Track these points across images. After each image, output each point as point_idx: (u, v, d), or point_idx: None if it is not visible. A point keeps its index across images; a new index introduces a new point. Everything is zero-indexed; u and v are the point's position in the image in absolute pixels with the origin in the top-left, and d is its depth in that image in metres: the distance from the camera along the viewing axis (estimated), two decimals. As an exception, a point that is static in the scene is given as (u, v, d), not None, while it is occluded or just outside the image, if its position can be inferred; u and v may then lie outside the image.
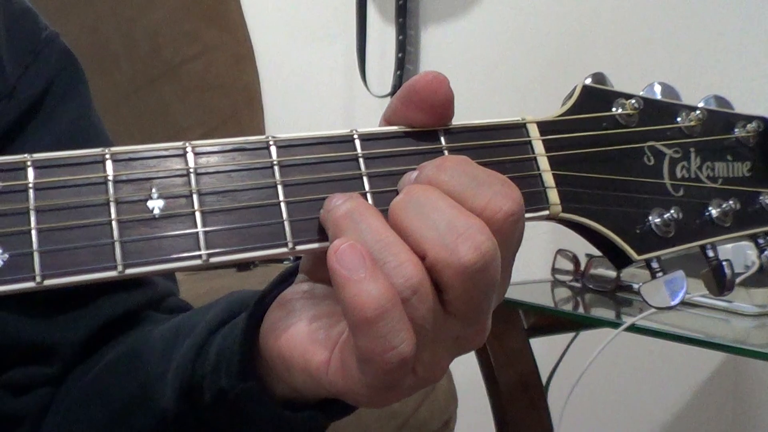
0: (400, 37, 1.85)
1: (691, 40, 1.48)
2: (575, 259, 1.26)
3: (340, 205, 0.40)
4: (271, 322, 0.45)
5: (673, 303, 0.46)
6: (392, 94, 1.83)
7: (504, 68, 1.73)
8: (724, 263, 0.49)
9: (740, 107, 0.54)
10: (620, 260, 0.48)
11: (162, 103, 1.93)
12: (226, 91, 2.00)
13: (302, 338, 0.43)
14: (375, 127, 0.45)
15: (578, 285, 1.27)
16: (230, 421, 0.50)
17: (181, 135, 1.90)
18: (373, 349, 0.38)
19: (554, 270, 1.30)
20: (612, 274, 1.21)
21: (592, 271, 1.25)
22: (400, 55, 1.84)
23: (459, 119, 0.44)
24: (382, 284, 0.38)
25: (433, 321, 0.39)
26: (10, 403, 0.59)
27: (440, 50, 1.84)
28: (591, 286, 1.25)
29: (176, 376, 0.51)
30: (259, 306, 0.47)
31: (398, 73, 1.84)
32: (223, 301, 0.53)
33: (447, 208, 0.39)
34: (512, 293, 1.23)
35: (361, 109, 1.95)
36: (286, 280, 0.47)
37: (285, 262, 1.57)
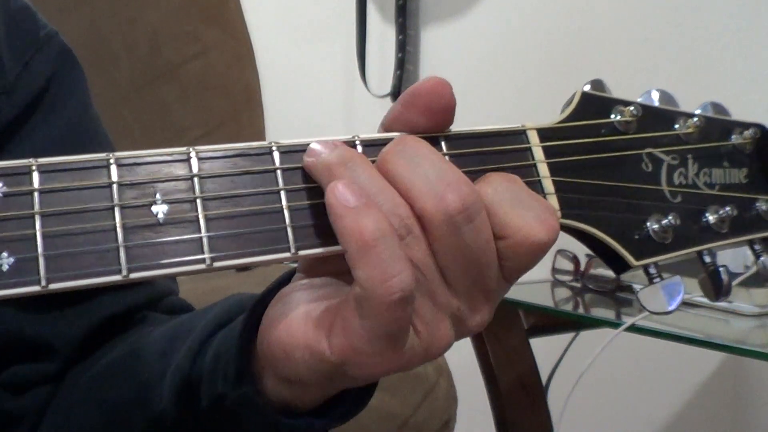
0: (400, 37, 1.85)
1: (689, 44, 1.48)
2: (575, 260, 1.27)
3: (330, 153, 0.41)
4: (270, 317, 0.45)
5: (670, 308, 0.47)
6: (392, 94, 1.83)
7: (504, 68, 1.73)
8: (720, 269, 0.49)
9: (737, 114, 0.54)
10: (618, 266, 0.48)
11: (162, 103, 1.93)
12: (226, 91, 2.00)
13: (300, 319, 0.43)
14: (375, 127, 0.45)
15: (578, 285, 1.27)
16: (227, 427, 0.50)
17: (181, 135, 1.90)
18: (373, 276, 0.38)
19: (554, 270, 1.30)
20: (612, 274, 1.21)
21: (592, 271, 1.26)
22: (400, 55, 1.84)
23: (459, 119, 0.44)
24: (380, 214, 0.39)
25: (428, 268, 0.41)
26: (10, 402, 0.59)
27: (440, 50, 1.84)
28: (591, 287, 1.25)
29: (173, 380, 0.51)
30: (256, 309, 0.47)
31: (398, 73, 1.84)
32: (221, 304, 0.53)
33: (438, 161, 0.41)
34: (512, 293, 1.22)
35: (361, 109, 1.95)
36: (284, 283, 0.47)
37: (285, 263, 1.58)
